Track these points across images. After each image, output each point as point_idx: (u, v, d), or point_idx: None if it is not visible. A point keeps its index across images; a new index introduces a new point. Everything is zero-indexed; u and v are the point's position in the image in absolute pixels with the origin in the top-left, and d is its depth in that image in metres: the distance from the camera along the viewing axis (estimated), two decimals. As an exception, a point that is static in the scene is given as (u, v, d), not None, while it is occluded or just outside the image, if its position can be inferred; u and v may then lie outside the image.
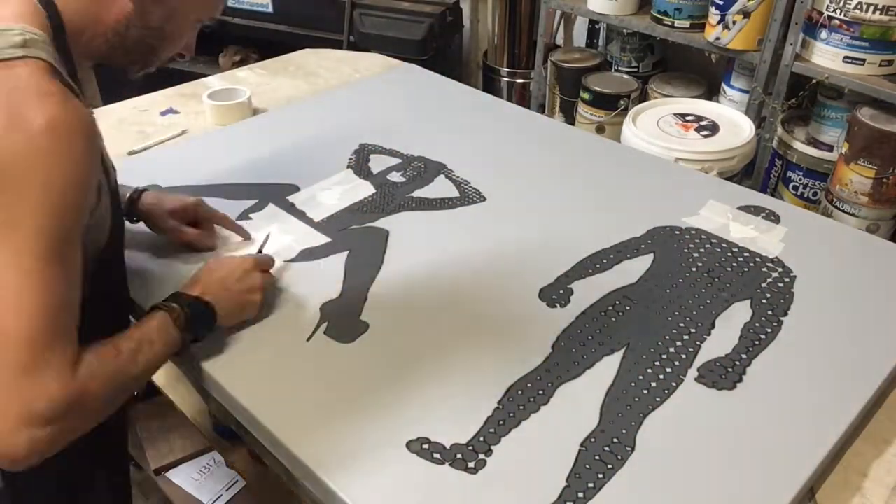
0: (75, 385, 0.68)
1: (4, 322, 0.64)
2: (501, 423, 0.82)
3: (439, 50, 2.59)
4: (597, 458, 0.78)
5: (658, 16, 2.05)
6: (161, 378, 1.42)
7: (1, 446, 0.64)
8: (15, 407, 0.63)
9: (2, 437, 0.64)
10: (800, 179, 1.93)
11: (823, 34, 1.73)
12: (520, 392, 0.86)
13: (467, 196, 1.25)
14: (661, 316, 0.98)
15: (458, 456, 0.78)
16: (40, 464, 0.68)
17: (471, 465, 0.77)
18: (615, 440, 0.80)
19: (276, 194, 1.24)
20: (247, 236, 1.12)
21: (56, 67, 0.70)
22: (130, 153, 1.42)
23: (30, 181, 0.65)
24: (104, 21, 0.76)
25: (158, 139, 1.48)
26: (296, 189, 1.26)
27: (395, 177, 1.30)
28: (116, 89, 1.67)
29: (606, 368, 0.90)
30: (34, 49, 0.69)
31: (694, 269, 1.07)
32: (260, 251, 1.04)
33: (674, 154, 1.55)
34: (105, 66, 0.83)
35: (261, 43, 2.88)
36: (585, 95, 2.09)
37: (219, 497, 1.52)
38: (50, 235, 0.66)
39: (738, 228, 1.17)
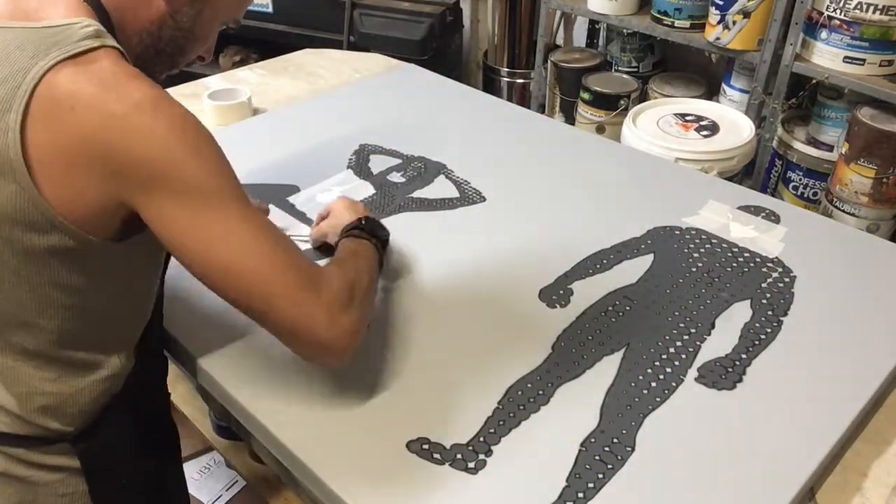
0: (336, 275, 0.76)
1: (266, 258, 0.70)
2: (501, 423, 0.82)
3: (439, 50, 2.59)
4: (597, 458, 0.78)
5: (658, 16, 2.05)
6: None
7: (329, 341, 0.72)
8: (319, 309, 0.72)
9: (325, 334, 0.72)
10: (800, 179, 1.93)
11: (823, 34, 1.73)
12: (520, 392, 0.86)
13: (467, 196, 1.25)
14: (661, 316, 0.98)
15: (458, 456, 0.78)
16: (121, 466, 0.77)
17: (471, 465, 0.77)
18: (615, 440, 0.80)
19: (276, 195, 1.24)
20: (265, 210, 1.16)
21: (124, 54, 0.70)
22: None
23: (182, 150, 0.67)
24: (140, 20, 0.76)
25: None
26: (296, 190, 1.26)
27: (395, 177, 1.30)
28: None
29: (606, 368, 0.90)
30: (107, 39, 0.69)
31: (694, 269, 1.07)
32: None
33: (674, 154, 1.55)
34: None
35: (261, 43, 2.88)
36: (585, 95, 2.09)
37: (219, 497, 1.52)
38: (235, 189, 0.71)
39: (738, 228, 1.17)
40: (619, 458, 0.78)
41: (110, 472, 0.86)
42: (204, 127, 0.71)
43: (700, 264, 1.08)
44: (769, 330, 0.96)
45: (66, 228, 0.68)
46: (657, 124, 1.68)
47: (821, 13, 1.72)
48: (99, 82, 0.65)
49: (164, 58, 0.81)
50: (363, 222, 0.96)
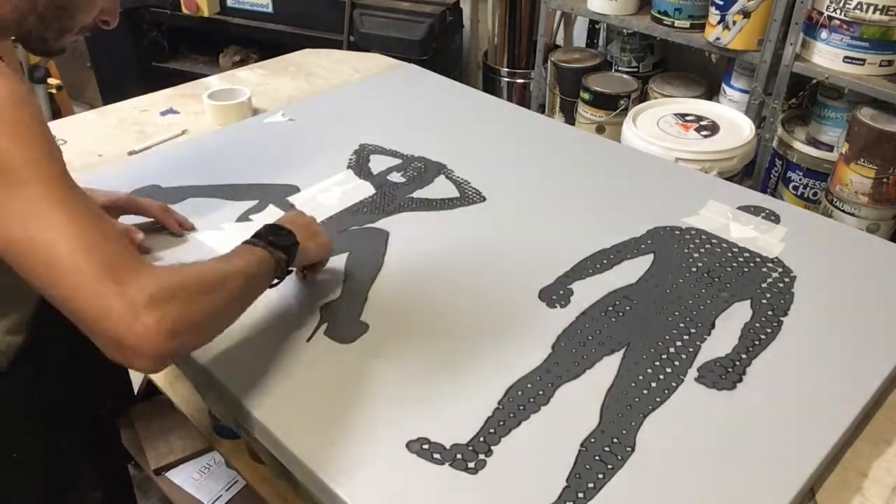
0: (164, 272, 0.69)
1: (68, 241, 0.64)
2: (501, 423, 0.82)
3: (439, 50, 2.59)
4: (597, 458, 0.78)
5: (658, 16, 2.05)
6: (161, 378, 1.42)
7: (126, 339, 0.64)
8: (118, 302, 0.63)
9: (123, 331, 0.63)
10: (800, 179, 1.93)
11: (823, 34, 1.73)
12: (520, 392, 0.86)
13: (467, 196, 1.25)
14: (661, 316, 0.98)
15: (458, 456, 0.78)
16: (21, 461, 0.68)
17: (471, 465, 0.77)
18: (615, 440, 0.80)
19: (276, 195, 1.24)
20: (177, 231, 1.11)
21: None
22: (130, 153, 1.43)
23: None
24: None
25: (158, 139, 1.48)
26: (296, 190, 1.26)
27: (396, 177, 1.30)
28: (116, 89, 1.67)
29: (606, 368, 0.90)
30: None
31: (694, 269, 1.07)
32: None
33: (674, 154, 1.55)
34: (25, 42, 0.80)
35: (261, 43, 2.89)
36: (585, 95, 2.09)
37: (219, 497, 1.52)
38: (51, 167, 0.66)
39: (738, 228, 1.17)
40: (619, 458, 0.78)
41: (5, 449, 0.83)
42: (29, 102, 0.67)
43: (700, 264, 1.08)
44: (769, 330, 0.96)
45: None
46: (657, 124, 1.68)
47: (821, 13, 1.72)
48: None
49: (50, 23, 0.77)
50: (264, 229, 0.90)
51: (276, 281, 0.88)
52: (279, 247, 0.87)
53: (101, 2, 0.81)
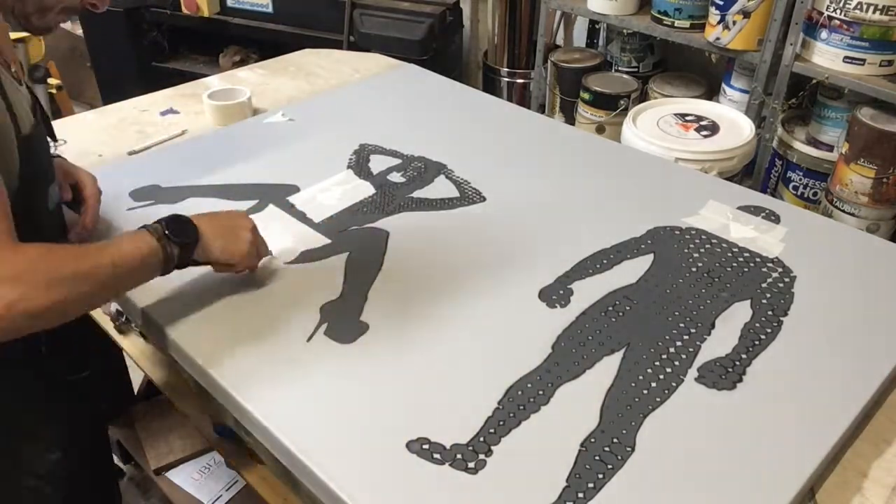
0: (21, 252, 0.73)
1: None
2: (501, 423, 0.82)
3: (439, 50, 2.59)
4: (597, 458, 0.78)
5: (658, 16, 2.05)
6: (161, 378, 1.42)
7: None
8: None
9: None
10: (800, 179, 1.93)
11: (823, 34, 1.73)
12: (520, 392, 0.86)
13: (467, 196, 1.25)
14: (661, 316, 0.98)
15: (458, 456, 0.78)
16: None
17: (471, 465, 0.77)
18: (615, 440, 0.80)
19: (276, 195, 1.24)
20: (85, 228, 1.09)
21: None
22: (130, 153, 1.43)
23: None
24: None
25: (158, 139, 1.48)
26: (296, 189, 1.26)
27: (396, 177, 1.30)
28: (116, 89, 1.67)
29: (606, 368, 0.90)
30: None
31: (694, 269, 1.07)
32: None
33: (674, 154, 1.55)
34: (12, 18, 0.79)
35: (261, 43, 2.89)
36: (585, 95, 2.09)
37: (219, 497, 1.52)
38: None
39: (738, 228, 1.17)
40: (619, 458, 0.78)
41: None
42: None
43: (700, 264, 1.08)
44: (769, 330, 0.96)
45: None
46: (657, 124, 1.68)
47: (821, 13, 1.72)
48: None
49: (29, 3, 0.77)
50: (172, 220, 0.89)
51: (170, 269, 0.89)
52: (174, 241, 0.87)
53: None
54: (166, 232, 0.87)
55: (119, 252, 0.82)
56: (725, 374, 0.89)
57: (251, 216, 1.16)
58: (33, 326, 0.75)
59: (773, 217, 1.20)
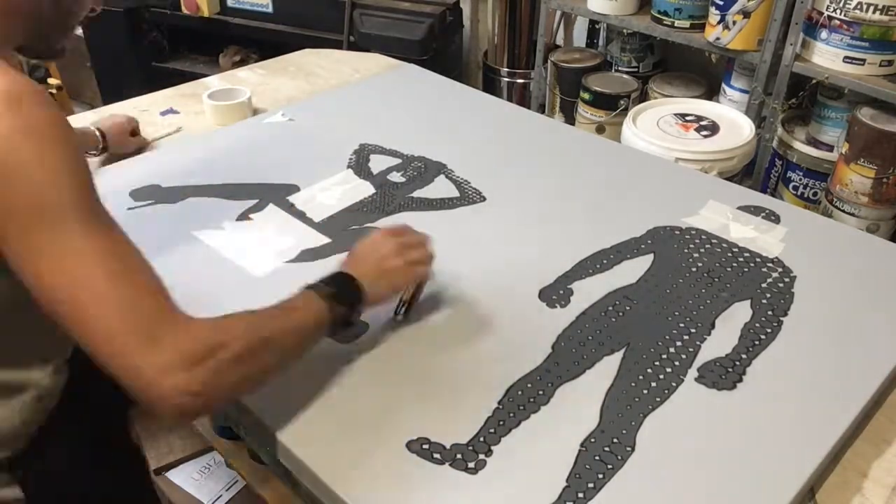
0: (205, 328, 0.66)
1: (99, 303, 0.62)
2: (501, 423, 0.82)
3: (439, 50, 2.59)
4: (597, 458, 0.78)
5: (658, 16, 2.05)
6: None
7: (151, 398, 0.63)
8: (145, 362, 0.62)
9: (148, 390, 0.62)
10: (800, 179, 1.93)
11: (823, 34, 1.73)
12: (520, 392, 0.86)
13: (467, 196, 1.25)
14: (661, 316, 0.98)
15: (458, 456, 0.78)
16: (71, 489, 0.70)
17: (471, 465, 0.77)
18: (615, 440, 0.80)
19: (276, 194, 1.24)
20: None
21: None
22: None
23: (25, 154, 0.61)
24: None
25: (152, 137, 1.48)
26: (296, 189, 1.26)
27: (396, 177, 1.30)
28: (116, 89, 1.67)
29: (606, 368, 0.90)
30: None
31: (694, 269, 1.07)
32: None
33: (674, 154, 1.55)
34: (31, 47, 0.77)
35: (261, 43, 2.89)
36: (585, 95, 2.09)
37: (219, 497, 1.52)
38: (83, 197, 0.64)
39: (738, 228, 1.17)
40: (619, 458, 0.78)
41: (58, 498, 0.81)
42: (61, 128, 0.64)
43: (700, 264, 1.08)
44: (769, 330, 0.96)
45: None
46: (657, 124, 1.68)
47: (821, 13, 1.72)
48: None
49: (52, 24, 0.74)
50: (335, 280, 0.85)
51: (337, 331, 0.84)
52: (342, 301, 0.82)
53: None
54: (335, 290, 0.82)
55: (295, 317, 0.77)
56: (725, 374, 0.89)
57: (251, 215, 1.18)
58: (221, 402, 0.71)
59: (773, 217, 1.20)
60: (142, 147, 1.45)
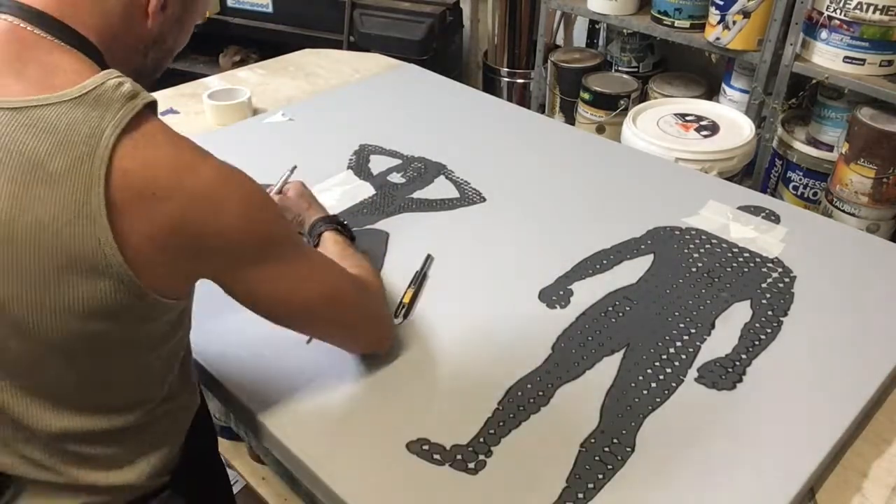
0: (368, 273, 0.91)
1: (349, 289, 0.82)
2: (501, 423, 0.82)
3: (439, 50, 2.59)
4: (597, 458, 0.78)
5: (658, 16, 2.05)
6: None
7: (387, 333, 0.90)
8: (387, 331, 0.90)
9: (387, 345, 0.91)
10: (800, 179, 1.93)
11: (823, 34, 1.73)
12: (520, 393, 0.86)
13: (467, 196, 1.25)
14: (661, 316, 0.98)
15: (458, 457, 0.78)
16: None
17: (471, 465, 0.77)
18: (615, 440, 0.80)
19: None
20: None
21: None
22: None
23: (255, 218, 0.69)
24: (127, 48, 0.71)
25: None
26: (296, 189, 1.25)
27: (396, 178, 1.30)
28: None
29: (606, 369, 0.90)
30: (141, 92, 0.63)
31: (694, 270, 1.07)
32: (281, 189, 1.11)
33: (674, 154, 1.55)
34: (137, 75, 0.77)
35: (261, 43, 2.89)
36: (585, 95, 2.09)
37: (219, 497, 1.52)
38: (294, 233, 0.80)
39: (738, 228, 1.17)
40: (619, 458, 0.78)
41: None
42: (253, 182, 0.70)
43: (700, 264, 1.08)
44: (769, 330, 0.96)
45: (166, 306, 0.67)
46: (657, 124, 1.68)
47: (821, 13, 1.72)
48: (166, 160, 0.62)
49: (144, 79, 0.75)
50: (341, 222, 1.04)
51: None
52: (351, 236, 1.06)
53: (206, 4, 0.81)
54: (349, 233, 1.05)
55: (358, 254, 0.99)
56: (725, 374, 0.89)
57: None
58: None
59: (773, 217, 1.20)
60: None
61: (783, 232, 1.16)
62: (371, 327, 0.87)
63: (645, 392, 0.86)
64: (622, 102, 2.03)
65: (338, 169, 1.33)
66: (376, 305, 0.88)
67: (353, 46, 2.61)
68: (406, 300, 0.99)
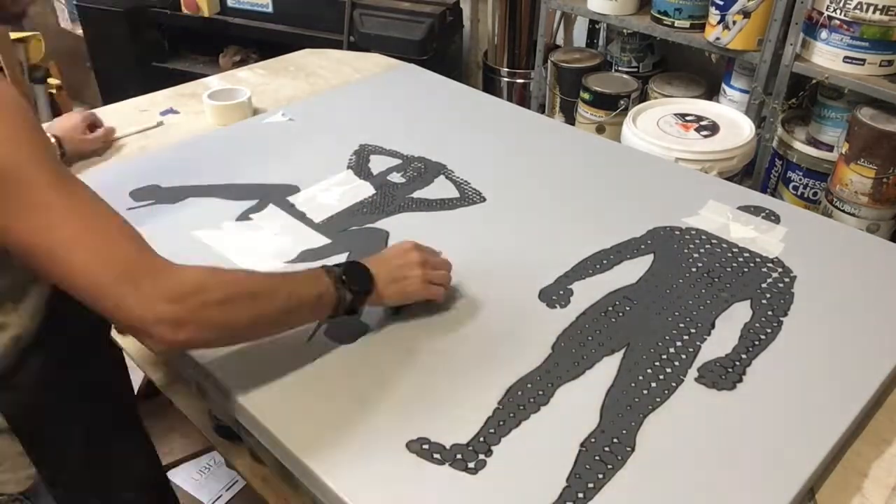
0: (187, 271, 0.71)
1: (81, 252, 0.67)
2: (501, 423, 0.82)
3: (439, 50, 2.59)
4: (597, 458, 0.78)
5: (658, 16, 2.05)
6: (161, 378, 1.42)
7: (138, 329, 0.69)
8: (131, 302, 0.68)
9: (136, 322, 0.68)
10: (800, 179, 1.93)
11: (823, 34, 1.73)
12: (520, 392, 0.86)
13: (467, 196, 1.25)
14: (661, 316, 0.98)
15: (458, 456, 0.78)
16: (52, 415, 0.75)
17: (471, 465, 0.77)
18: (615, 440, 0.80)
19: (276, 195, 1.24)
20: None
21: None
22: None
23: None
24: None
25: (132, 130, 1.51)
26: (296, 190, 1.26)
27: (396, 177, 1.30)
28: (116, 89, 1.68)
29: (606, 369, 0.90)
30: None
31: (694, 270, 1.07)
32: None
33: (674, 154, 1.55)
34: None
35: (261, 43, 2.88)
36: (585, 95, 2.09)
37: (219, 497, 1.53)
38: (45, 158, 0.67)
39: (738, 228, 1.17)
40: (619, 458, 0.78)
41: (41, 423, 0.82)
42: (13, 99, 0.66)
43: (700, 264, 1.08)
44: (769, 330, 0.96)
45: None
46: (657, 124, 1.68)
47: (821, 13, 1.72)
48: None
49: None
50: (350, 267, 0.88)
51: (339, 314, 0.87)
52: (350, 289, 0.86)
53: None
54: (343, 277, 0.85)
55: (295, 285, 0.82)
56: (725, 374, 0.89)
57: (251, 215, 1.18)
58: (204, 341, 0.77)
59: (773, 217, 1.20)
60: (108, 140, 1.43)
61: (783, 232, 1.16)
62: (112, 315, 0.70)
63: (645, 392, 0.86)
64: (622, 102, 2.03)
65: (338, 169, 1.33)
66: (129, 296, 0.68)
67: (353, 46, 2.61)
68: None
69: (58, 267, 0.67)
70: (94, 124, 1.41)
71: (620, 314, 0.98)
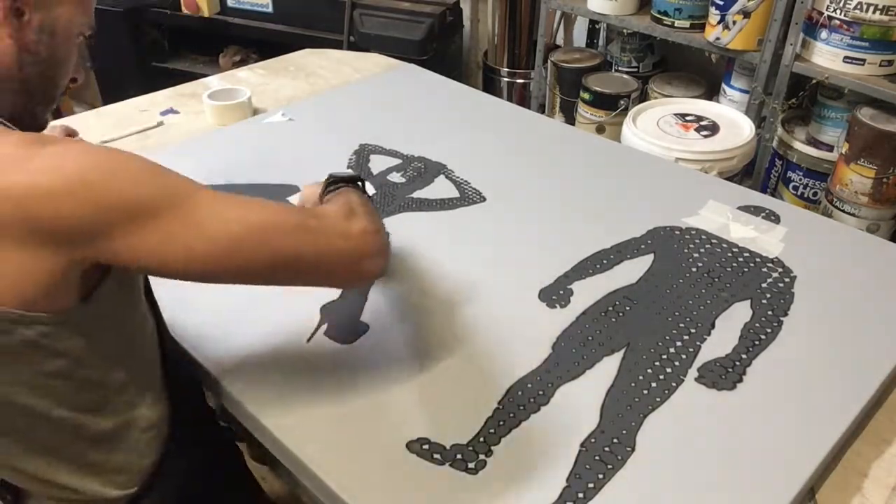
0: (330, 203, 0.84)
1: (265, 215, 0.71)
2: (501, 423, 0.82)
3: (439, 50, 2.59)
4: (597, 458, 0.78)
5: (658, 16, 2.05)
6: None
7: (354, 251, 0.76)
8: (330, 233, 0.74)
9: (366, 267, 0.77)
10: (800, 179, 1.93)
11: (823, 34, 1.73)
12: (520, 392, 0.86)
13: (467, 196, 1.25)
14: (661, 316, 0.98)
15: (458, 456, 0.78)
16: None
17: (471, 465, 0.77)
18: (615, 440, 0.80)
19: (277, 195, 1.24)
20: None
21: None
22: (102, 143, 1.43)
23: (108, 182, 0.66)
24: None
25: (132, 130, 1.50)
26: (296, 190, 1.26)
27: (395, 177, 1.30)
28: (116, 89, 1.67)
29: (606, 369, 0.90)
30: None
31: (694, 270, 1.07)
32: None
33: (674, 154, 1.55)
34: (16, 120, 0.74)
35: (261, 43, 2.89)
36: (585, 95, 2.09)
37: (219, 497, 1.52)
38: (185, 184, 0.72)
39: (738, 228, 1.17)
40: (619, 458, 0.78)
41: None
42: (111, 151, 0.69)
43: (700, 264, 1.08)
44: (769, 330, 0.96)
45: (23, 318, 0.64)
46: (657, 124, 1.68)
47: (821, 13, 1.72)
48: None
49: (38, 97, 0.75)
50: (330, 181, 0.94)
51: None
52: (355, 181, 0.95)
53: (73, 60, 0.78)
54: (345, 180, 0.94)
55: (346, 192, 0.89)
56: (725, 374, 0.89)
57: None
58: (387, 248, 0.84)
59: (773, 217, 1.20)
60: None
61: (783, 232, 1.16)
62: (322, 260, 0.74)
63: (645, 392, 0.86)
64: (622, 102, 2.03)
65: (338, 169, 1.32)
66: (324, 235, 0.74)
67: (353, 46, 2.61)
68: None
69: (282, 256, 0.71)
70: (70, 136, 1.40)
71: (620, 314, 0.98)
